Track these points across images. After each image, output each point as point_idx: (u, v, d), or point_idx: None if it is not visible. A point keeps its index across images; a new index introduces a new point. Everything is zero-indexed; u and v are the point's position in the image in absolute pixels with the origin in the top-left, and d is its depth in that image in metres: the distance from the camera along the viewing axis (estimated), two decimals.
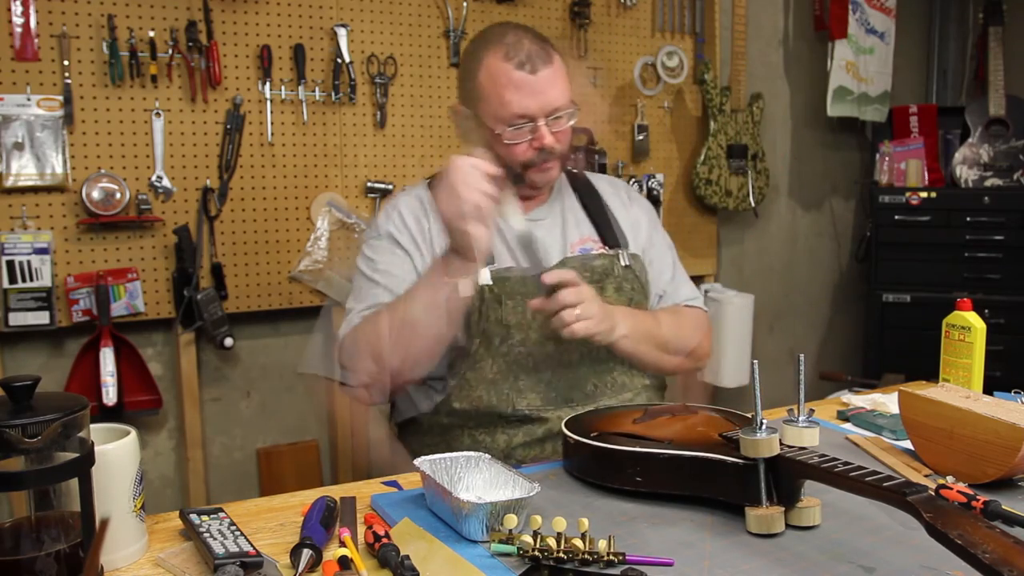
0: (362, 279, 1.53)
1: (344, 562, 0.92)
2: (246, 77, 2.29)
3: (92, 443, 0.89)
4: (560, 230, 1.58)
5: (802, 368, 1.02)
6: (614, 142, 2.87)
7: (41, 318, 2.07)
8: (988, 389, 1.42)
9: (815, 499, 1.02)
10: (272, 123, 2.33)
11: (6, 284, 2.05)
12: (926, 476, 1.19)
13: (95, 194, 2.12)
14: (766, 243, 3.40)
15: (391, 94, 2.48)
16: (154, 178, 2.21)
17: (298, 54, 2.33)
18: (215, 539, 0.94)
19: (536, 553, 0.92)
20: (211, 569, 0.89)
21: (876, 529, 1.01)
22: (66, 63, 2.08)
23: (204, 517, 1.01)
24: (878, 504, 0.92)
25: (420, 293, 1.38)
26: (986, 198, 3.11)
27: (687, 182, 3.04)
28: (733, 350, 3.01)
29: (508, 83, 1.43)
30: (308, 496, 1.14)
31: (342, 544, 0.98)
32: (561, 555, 0.92)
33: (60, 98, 2.08)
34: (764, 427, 1.00)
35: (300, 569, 0.90)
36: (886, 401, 1.53)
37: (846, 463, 0.96)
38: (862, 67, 3.31)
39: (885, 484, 0.89)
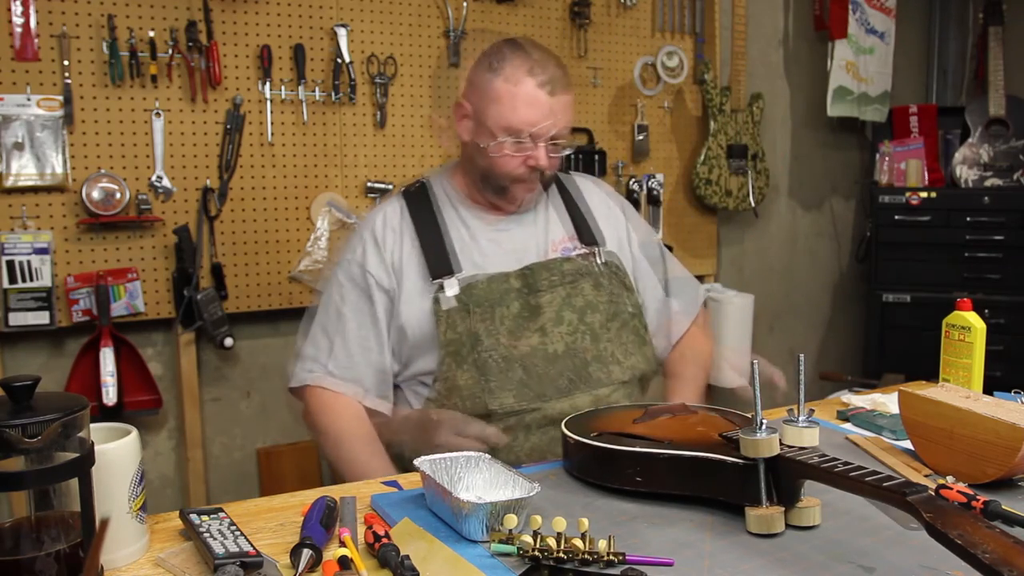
0: (325, 314, 1.58)
1: (344, 562, 0.92)
2: (246, 77, 2.29)
3: (92, 443, 0.89)
4: (542, 228, 1.61)
5: (802, 368, 1.02)
6: (614, 142, 2.87)
7: (41, 318, 2.07)
8: (988, 389, 1.42)
9: (815, 499, 1.02)
10: (272, 123, 2.33)
11: (6, 284, 2.05)
12: (926, 476, 1.19)
13: (95, 194, 2.12)
14: (766, 243, 3.40)
15: (391, 94, 2.48)
16: (154, 178, 2.21)
17: (298, 54, 2.33)
18: (215, 539, 0.94)
19: (536, 553, 0.92)
20: (211, 569, 0.89)
21: (876, 529, 1.01)
22: (66, 63, 2.08)
23: (204, 517, 1.01)
24: (878, 504, 0.92)
25: (364, 450, 1.48)
26: (986, 198, 3.11)
27: (687, 182, 3.04)
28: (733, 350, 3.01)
29: (526, 96, 1.47)
30: (308, 496, 1.14)
31: (342, 544, 0.98)
32: (561, 555, 0.92)
33: (60, 98, 2.08)
34: (764, 427, 1.00)
35: (300, 569, 0.90)
36: (886, 401, 1.53)
37: (846, 463, 0.96)
38: (862, 67, 3.31)
39: (885, 484, 0.89)
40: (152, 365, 2.27)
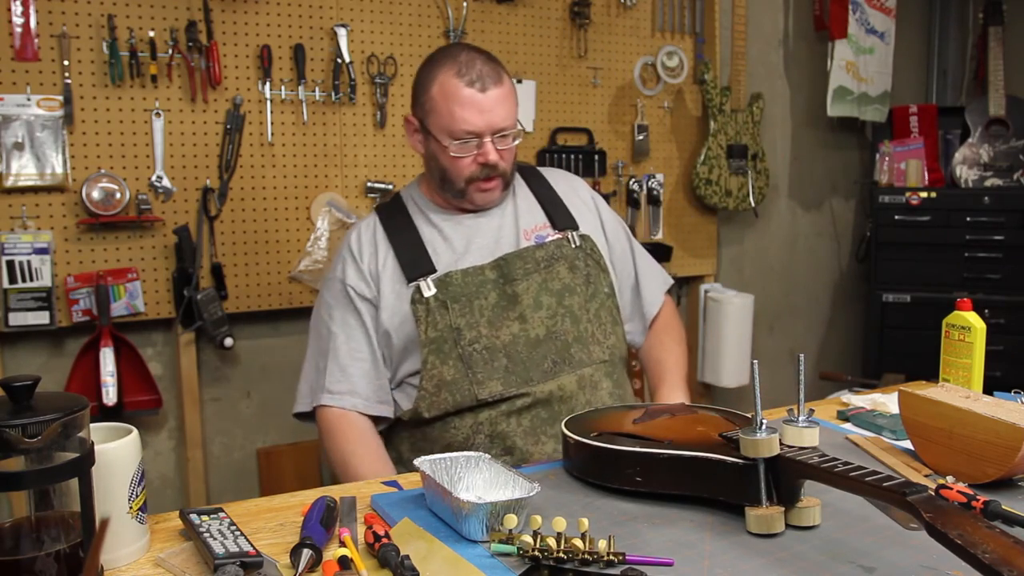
0: (316, 336, 1.63)
1: (344, 562, 0.92)
2: (246, 77, 2.29)
3: (92, 443, 0.89)
4: (511, 219, 1.64)
5: (802, 368, 1.02)
6: (614, 142, 2.87)
7: (41, 318, 2.07)
8: (988, 389, 1.42)
9: (815, 499, 1.02)
10: (272, 123, 2.33)
11: (6, 284, 2.05)
12: (926, 476, 1.19)
13: (95, 194, 2.12)
14: (766, 243, 3.40)
15: (391, 94, 2.48)
16: (154, 178, 2.21)
17: (298, 54, 2.33)
18: (215, 539, 0.94)
19: (536, 553, 0.92)
20: (211, 569, 0.89)
21: (876, 529, 1.01)
22: (66, 63, 2.08)
23: (204, 517, 1.01)
24: (878, 504, 0.92)
25: (370, 470, 1.50)
26: (986, 198, 3.11)
27: (687, 182, 3.04)
28: (733, 350, 3.01)
29: (458, 99, 1.51)
30: (308, 496, 1.14)
31: (342, 544, 0.98)
32: (561, 555, 0.92)
33: (60, 98, 2.08)
34: (764, 427, 1.00)
35: (300, 569, 0.90)
36: (886, 401, 1.53)
37: (846, 463, 0.96)
38: (862, 67, 3.31)
39: (885, 484, 0.89)
40: (152, 365, 2.27)
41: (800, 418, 1.04)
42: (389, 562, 0.92)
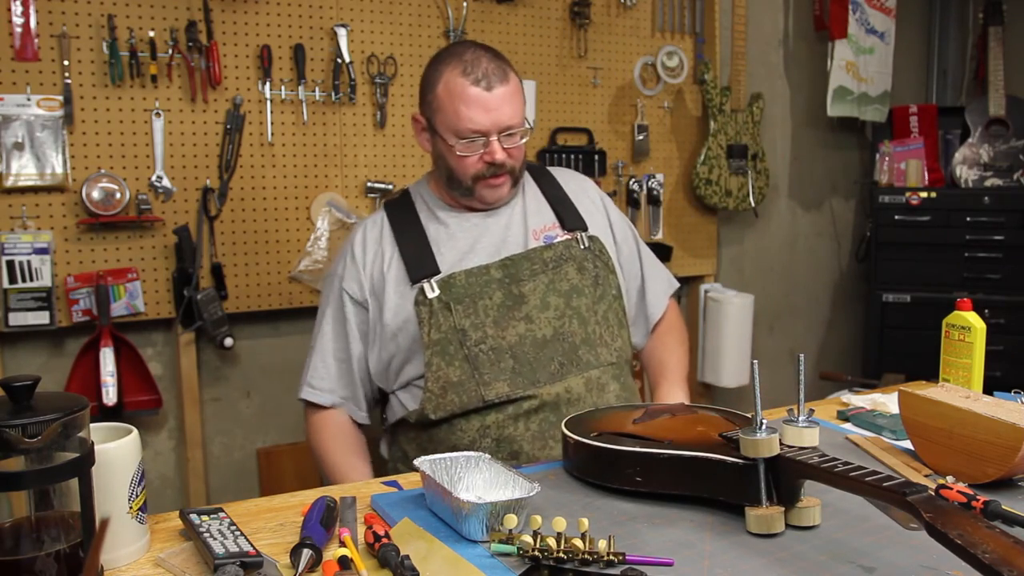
0: (316, 328, 1.66)
1: (344, 562, 0.92)
2: (246, 77, 2.29)
3: (92, 443, 0.89)
4: (520, 219, 1.63)
5: (802, 368, 1.02)
6: (614, 142, 2.87)
7: (41, 318, 2.07)
8: (988, 389, 1.42)
9: (815, 499, 1.02)
10: (272, 123, 2.33)
11: (6, 284, 2.05)
12: (926, 476, 1.19)
13: (95, 194, 2.12)
14: (766, 243, 3.40)
15: (391, 94, 2.48)
16: (154, 178, 2.21)
17: (298, 54, 2.33)
18: (215, 539, 0.94)
19: (536, 553, 0.92)
20: (211, 569, 0.89)
21: (876, 529, 1.01)
22: (66, 63, 2.08)
23: (204, 517, 1.01)
24: (878, 504, 0.92)
25: (343, 463, 1.57)
26: (986, 198, 3.11)
27: (687, 182, 3.04)
28: (733, 350, 3.01)
29: (464, 98, 1.50)
30: (308, 496, 1.14)
31: (342, 544, 0.98)
32: (561, 555, 0.92)
33: (60, 98, 2.08)
34: (764, 427, 1.00)
35: (300, 569, 0.90)
36: (886, 401, 1.53)
37: (846, 463, 0.96)
38: (862, 67, 3.31)
39: (885, 484, 0.89)
40: (152, 365, 2.27)
41: (800, 418, 1.04)
42: (389, 562, 0.92)
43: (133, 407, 2.20)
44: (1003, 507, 1.00)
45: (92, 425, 0.93)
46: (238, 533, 0.96)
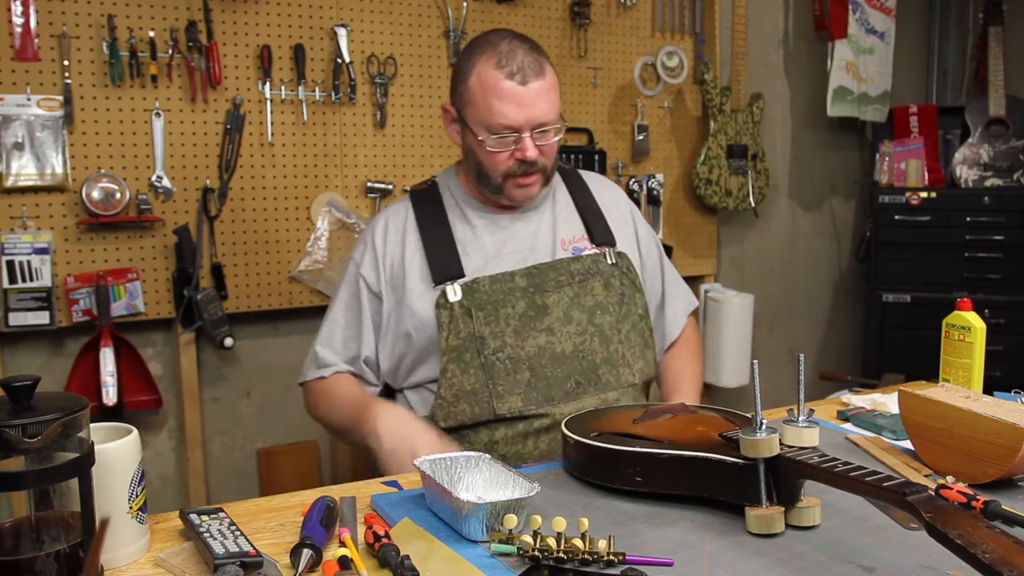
0: (329, 310, 1.61)
1: (344, 562, 0.92)
2: (246, 77, 2.29)
3: (92, 443, 0.89)
4: (550, 226, 1.58)
5: (802, 368, 1.02)
6: (614, 142, 2.87)
7: (41, 318, 2.07)
8: (988, 389, 1.42)
9: (815, 499, 1.02)
10: (272, 123, 2.33)
11: (6, 284, 2.05)
12: (926, 476, 1.19)
13: (95, 194, 2.12)
14: (766, 243, 3.40)
15: (391, 94, 2.48)
16: (154, 178, 2.21)
17: (298, 54, 2.33)
18: (215, 539, 0.94)
19: (536, 553, 0.92)
20: (211, 569, 0.89)
21: (876, 529, 1.01)
22: (66, 63, 2.08)
23: (204, 517, 1.01)
24: (878, 504, 0.92)
25: (347, 420, 1.49)
26: (986, 198, 3.12)
27: (687, 182, 3.04)
28: (733, 350, 3.01)
29: (497, 91, 1.43)
30: (308, 496, 1.14)
31: (342, 544, 0.98)
32: (561, 555, 0.92)
33: (60, 98, 2.08)
34: (764, 427, 1.00)
35: (300, 569, 0.90)
36: (886, 401, 1.53)
37: (846, 463, 0.96)
38: (862, 67, 3.31)
39: (885, 484, 0.89)
40: (152, 365, 2.27)
41: (800, 418, 1.04)
42: (389, 562, 0.92)
43: (133, 407, 2.20)
44: (1003, 507, 1.00)
45: (92, 425, 0.93)
46: (238, 533, 0.96)
